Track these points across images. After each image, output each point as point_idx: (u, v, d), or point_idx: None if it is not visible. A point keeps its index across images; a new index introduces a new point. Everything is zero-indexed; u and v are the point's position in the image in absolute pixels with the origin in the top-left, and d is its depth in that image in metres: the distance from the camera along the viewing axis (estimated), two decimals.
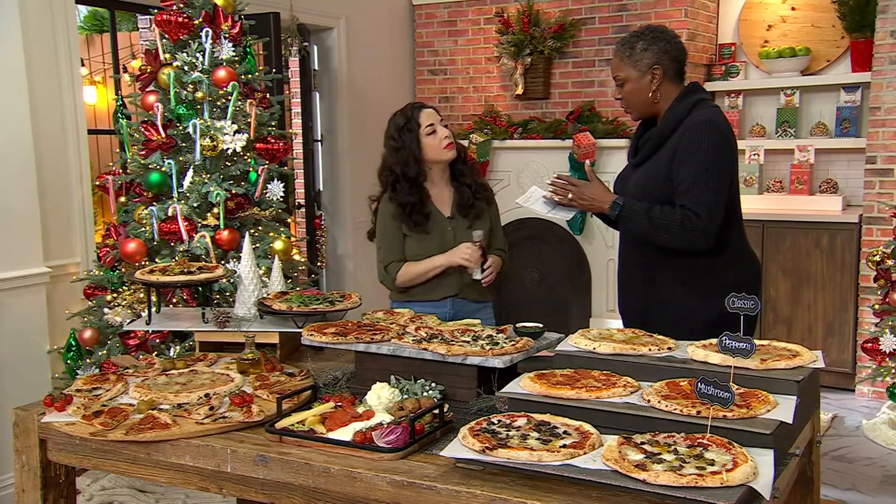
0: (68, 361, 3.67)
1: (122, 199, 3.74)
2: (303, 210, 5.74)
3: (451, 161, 3.02)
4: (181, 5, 3.63)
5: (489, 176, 5.99)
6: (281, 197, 3.78)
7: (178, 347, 3.43)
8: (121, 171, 3.77)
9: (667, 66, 2.64)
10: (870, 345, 4.37)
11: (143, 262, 3.50)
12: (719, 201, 2.55)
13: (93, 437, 2.01)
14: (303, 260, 4.14)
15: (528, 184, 5.93)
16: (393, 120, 3.02)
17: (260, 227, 3.73)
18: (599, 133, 5.61)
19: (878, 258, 4.37)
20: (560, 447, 1.67)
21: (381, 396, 2.06)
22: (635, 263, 2.76)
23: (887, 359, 4.29)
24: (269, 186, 3.74)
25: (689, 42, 5.51)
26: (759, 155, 5.61)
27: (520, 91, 6.03)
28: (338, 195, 5.95)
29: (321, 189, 5.95)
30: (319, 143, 5.93)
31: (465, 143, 5.81)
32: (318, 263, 5.64)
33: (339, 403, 2.06)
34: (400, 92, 6.38)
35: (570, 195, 2.69)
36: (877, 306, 4.39)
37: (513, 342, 2.24)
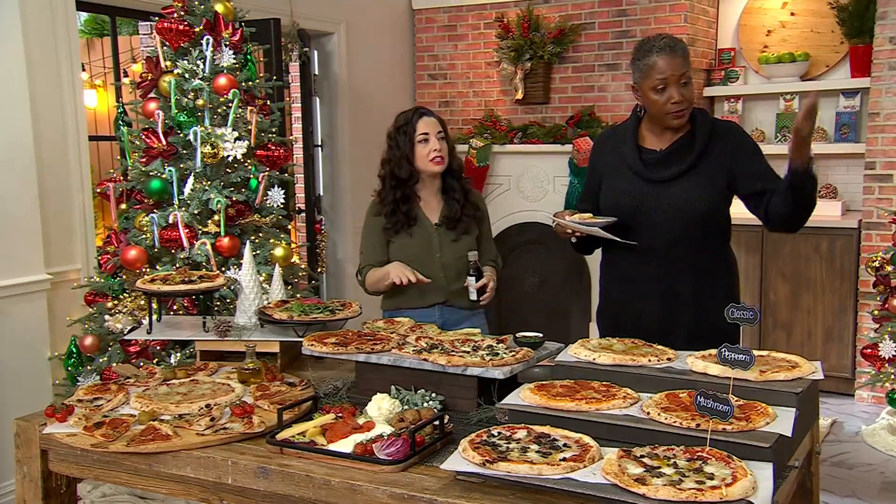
0: (69, 368, 3.67)
1: (123, 206, 3.74)
2: (303, 215, 5.75)
3: (442, 173, 3.01)
4: (182, 13, 3.64)
5: (489, 180, 6.01)
6: (281, 204, 3.79)
7: (178, 354, 3.43)
8: (122, 178, 3.77)
9: None
10: (869, 350, 4.38)
11: (143, 269, 3.51)
12: None
13: (94, 448, 2.02)
14: (303, 266, 4.15)
15: (528, 188, 5.95)
16: (396, 119, 3.04)
17: (260, 234, 3.73)
18: None
19: (877, 264, 4.38)
20: (560, 460, 1.68)
21: (381, 407, 2.06)
22: (653, 276, 2.68)
23: (886, 364, 4.30)
24: (269, 193, 3.74)
25: (689, 47, 5.51)
26: None
27: (520, 96, 6.04)
28: (338, 200, 5.96)
29: (321, 194, 5.96)
30: (320, 147, 5.94)
31: (464, 147, 5.82)
32: (319, 269, 5.65)
33: (340, 414, 2.07)
34: (400, 96, 6.39)
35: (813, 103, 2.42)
36: (876, 312, 4.41)
37: (513, 352, 2.24)
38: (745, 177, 2.65)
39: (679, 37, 2.76)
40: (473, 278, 2.93)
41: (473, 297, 2.95)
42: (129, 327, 3.51)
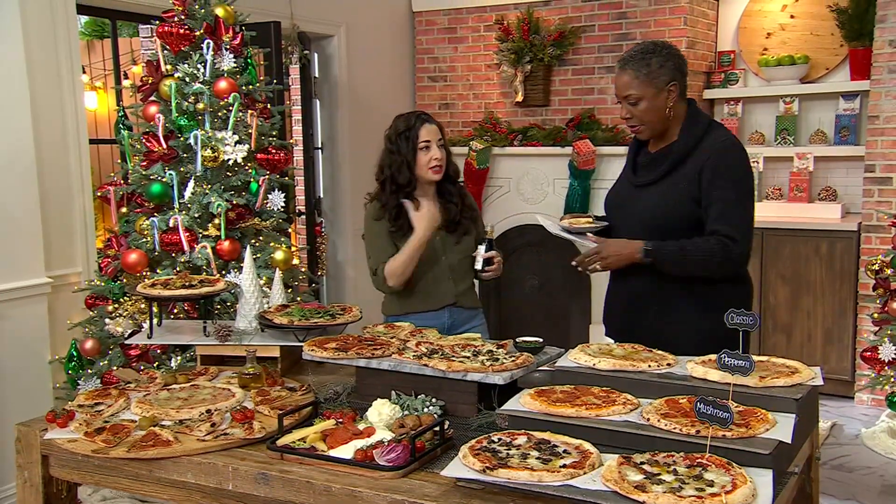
0: (70, 372, 3.68)
1: (124, 209, 3.75)
2: (303, 217, 5.75)
3: (437, 181, 3.02)
4: (182, 17, 3.65)
5: (489, 182, 6.01)
6: (282, 207, 3.79)
7: (179, 358, 3.43)
8: (122, 181, 3.77)
9: (680, 83, 2.62)
10: (869, 353, 4.38)
11: (144, 273, 3.51)
12: (751, 224, 2.58)
13: (95, 454, 2.02)
14: (304, 269, 4.15)
15: (528, 190, 5.95)
16: (395, 123, 3.01)
17: (261, 238, 3.74)
18: (599, 140, 5.61)
19: (876, 267, 4.38)
20: (560, 467, 1.68)
21: (381, 413, 2.06)
22: (646, 287, 2.66)
23: (886, 367, 4.31)
24: (269, 197, 3.75)
25: (688, 50, 5.52)
26: (758, 162, 5.61)
27: (520, 98, 6.04)
28: (338, 202, 5.97)
29: (321, 196, 5.96)
30: (320, 150, 5.94)
31: (464, 149, 5.82)
32: (319, 272, 5.65)
33: (340, 420, 2.07)
34: (400, 99, 6.40)
35: (597, 266, 2.61)
36: (876, 315, 4.40)
37: (513, 358, 2.25)
38: (703, 197, 2.57)
39: (666, 44, 2.65)
40: (483, 247, 2.91)
41: (479, 265, 2.91)
42: (129, 331, 3.51)
